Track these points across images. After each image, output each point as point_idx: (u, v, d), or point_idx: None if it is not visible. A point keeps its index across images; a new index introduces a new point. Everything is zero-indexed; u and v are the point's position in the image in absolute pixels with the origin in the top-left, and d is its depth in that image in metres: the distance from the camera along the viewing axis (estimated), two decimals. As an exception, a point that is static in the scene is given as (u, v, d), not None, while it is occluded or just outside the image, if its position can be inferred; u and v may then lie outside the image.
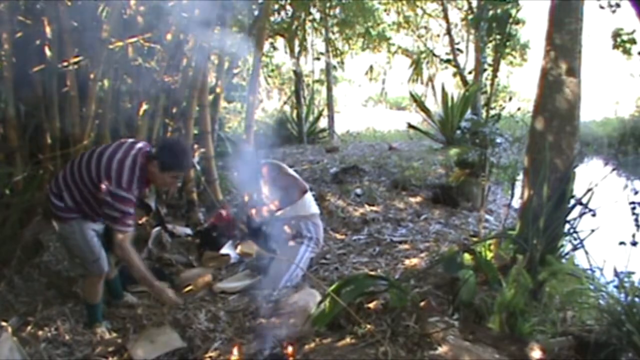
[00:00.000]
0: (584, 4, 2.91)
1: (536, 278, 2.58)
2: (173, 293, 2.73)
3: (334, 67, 13.28)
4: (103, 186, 2.52)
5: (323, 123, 12.35)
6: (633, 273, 2.41)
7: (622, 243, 2.56)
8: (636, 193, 2.70)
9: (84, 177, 2.58)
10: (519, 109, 6.00)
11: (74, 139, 3.56)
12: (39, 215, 3.36)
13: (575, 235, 2.83)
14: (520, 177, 3.51)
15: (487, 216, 4.88)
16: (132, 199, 2.56)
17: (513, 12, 4.81)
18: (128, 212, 2.54)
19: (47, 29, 3.49)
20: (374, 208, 5.08)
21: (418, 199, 5.45)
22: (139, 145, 2.70)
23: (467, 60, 11.62)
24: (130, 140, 2.77)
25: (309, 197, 3.71)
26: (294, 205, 3.57)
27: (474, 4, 8.37)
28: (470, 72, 8.64)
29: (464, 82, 9.12)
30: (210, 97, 4.87)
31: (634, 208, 2.62)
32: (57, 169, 3.52)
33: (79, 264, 2.74)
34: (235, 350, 2.38)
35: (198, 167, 4.51)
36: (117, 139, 4.14)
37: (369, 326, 2.48)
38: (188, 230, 4.20)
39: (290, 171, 3.68)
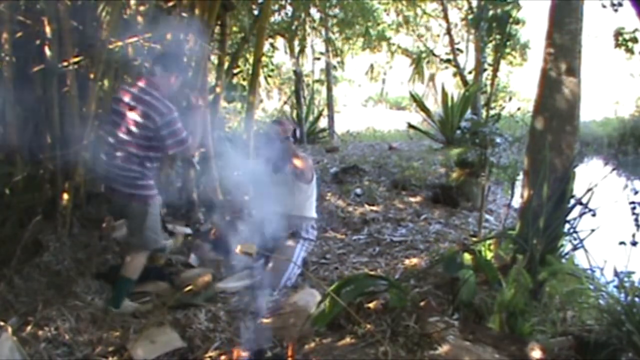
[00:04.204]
0: (584, 4, 2.91)
1: (536, 278, 2.58)
2: None
3: (334, 67, 13.27)
4: (157, 120, 2.79)
5: (323, 123, 12.34)
6: (633, 273, 2.41)
7: (622, 243, 2.57)
8: (636, 193, 2.70)
9: (140, 141, 2.84)
10: (519, 109, 6.01)
11: (74, 139, 3.56)
12: (39, 215, 3.36)
13: (575, 235, 2.83)
14: (520, 177, 3.51)
15: (487, 216, 4.88)
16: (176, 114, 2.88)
17: (513, 12, 4.81)
18: (181, 128, 2.87)
19: (47, 29, 3.49)
20: (374, 208, 5.08)
21: (418, 199, 5.46)
22: (137, 86, 2.95)
23: (467, 60, 11.63)
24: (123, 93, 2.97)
25: (314, 200, 3.73)
26: (301, 206, 3.59)
27: (474, 4, 8.37)
28: (470, 72, 8.64)
29: (464, 82, 9.11)
30: (210, 97, 4.87)
31: (634, 208, 2.63)
32: (57, 169, 3.52)
33: (146, 237, 2.98)
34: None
35: (198, 167, 4.50)
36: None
37: (369, 326, 2.48)
38: (188, 230, 4.19)
39: None
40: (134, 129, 2.82)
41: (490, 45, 5.31)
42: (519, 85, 18.71)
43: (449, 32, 10.32)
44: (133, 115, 2.82)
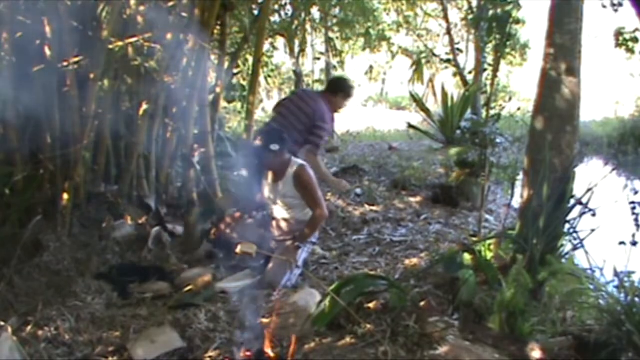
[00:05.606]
0: (584, 4, 2.91)
1: (536, 278, 2.58)
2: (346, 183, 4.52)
3: (334, 67, 13.27)
4: (317, 121, 4.06)
5: (323, 123, 12.32)
6: (633, 273, 2.41)
7: (622, 243, 2.57)
8: (636, 193, 2.70)
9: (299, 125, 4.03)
10: (519, 109, 6.01)
11: (74, 139, 3.56)
12: (39, 215, 3.35)
13: (575, 235, 2.83)
14: (520, 177, 3.51)
15: (487, 216, 4.88)
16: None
17: (513, 12, 4.81)
18: (324, 138, 4.21)
19: (47, 29, 3.48)
20: (374, 208, 5.08)
21: (418, 199, 5.46)
22: (315, 95, 4.31)
23: (467, 60, 11.63)
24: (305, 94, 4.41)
25: None
26: (304, 209, 3.58)
27: (474, 4, 8.38)
28: (470, 72, 8.64)
29: (464, 82, 9.12)
30: (210, 97, 4.87)
31: (634, 208, 2.62)
32: (57, 169, 3.52)
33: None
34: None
35: (198, 167, 4.50)
36: (117, 139, 4.15)
37: (369, 326, 2.48)
38: (188, 230, 4.18)
39: None
40: (292, 119, 4.03)
41: (490, 45, 5.31)
42: (519, 85, 18.77)
43: (449, 32, 10.32)
44: (297, 111, 4.06)
